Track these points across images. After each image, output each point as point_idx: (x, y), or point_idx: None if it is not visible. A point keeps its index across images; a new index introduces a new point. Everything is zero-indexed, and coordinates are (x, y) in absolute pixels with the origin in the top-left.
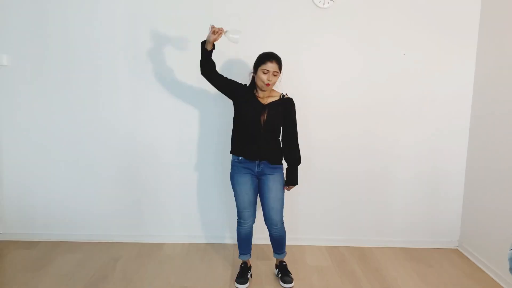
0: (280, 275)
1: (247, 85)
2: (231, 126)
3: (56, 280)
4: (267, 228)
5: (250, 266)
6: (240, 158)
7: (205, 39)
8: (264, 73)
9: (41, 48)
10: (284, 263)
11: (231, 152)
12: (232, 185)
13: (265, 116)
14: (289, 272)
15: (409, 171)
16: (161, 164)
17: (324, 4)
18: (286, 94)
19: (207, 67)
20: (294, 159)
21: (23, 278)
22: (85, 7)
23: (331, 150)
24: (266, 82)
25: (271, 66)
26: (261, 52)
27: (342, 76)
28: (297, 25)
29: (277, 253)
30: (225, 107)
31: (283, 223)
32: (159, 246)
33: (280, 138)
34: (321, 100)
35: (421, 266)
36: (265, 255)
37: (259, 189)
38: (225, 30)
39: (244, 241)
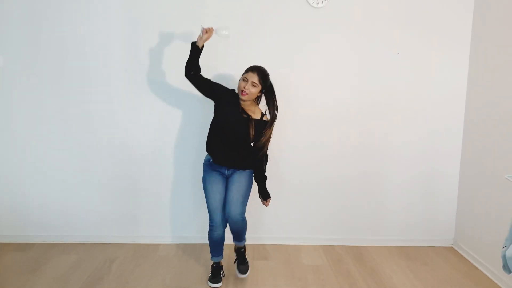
0: (236, 262)
1: (235, 91)
2: None
3: (51, 282)
4: (228, 221)
5: (222, 266)
6: (211, 161)
7: (195, 40)
8: (244, 81)
9: (35, 49)
10: (243, 250)
11: (207, 151)
12: (203, 187)
13: (243, 128)
14: (246, 260)
15: (404, 171)
16: (156, 165)
17: (318, 3)
18: (265, 114)
19: (193, 69)
20: (262, 177)
21: (18, 281)
22: (79, 8)
23: (326, 151)
24: (242, 89)
25: (251, 75)
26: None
27: (336, 76)
28: (290, 24)
29: (237, 241)
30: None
31: (243, 218)
32: (154, 247)
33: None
34: (315, 101)
35: (416, 264)
36: (262, 255)
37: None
38: (215, 28)
39: (217, 245)
